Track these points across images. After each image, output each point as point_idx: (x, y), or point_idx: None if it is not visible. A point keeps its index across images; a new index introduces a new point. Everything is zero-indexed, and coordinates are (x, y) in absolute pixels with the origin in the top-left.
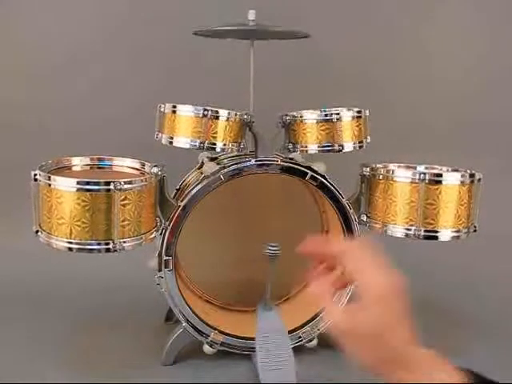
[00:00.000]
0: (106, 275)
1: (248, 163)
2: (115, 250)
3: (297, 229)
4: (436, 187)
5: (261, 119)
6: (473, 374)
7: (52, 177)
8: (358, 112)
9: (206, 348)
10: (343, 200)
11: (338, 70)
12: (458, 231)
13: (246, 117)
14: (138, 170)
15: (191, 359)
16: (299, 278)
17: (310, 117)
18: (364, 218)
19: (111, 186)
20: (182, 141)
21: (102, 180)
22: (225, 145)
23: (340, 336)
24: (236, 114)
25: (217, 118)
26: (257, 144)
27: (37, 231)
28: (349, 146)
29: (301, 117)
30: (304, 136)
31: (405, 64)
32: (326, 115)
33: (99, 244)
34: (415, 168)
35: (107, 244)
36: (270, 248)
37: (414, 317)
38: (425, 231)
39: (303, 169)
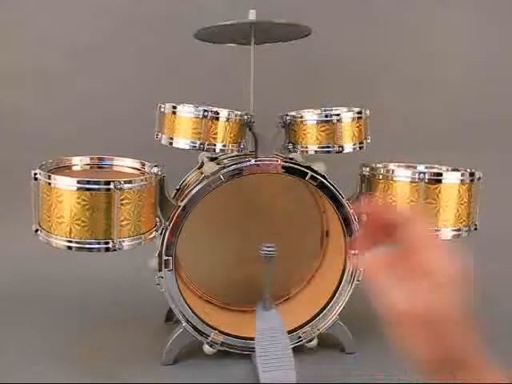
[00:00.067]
0: (106, 276)
1: (248, 163)
2: (114, 250)
3: (297, 229)
4: (435, 186)
5: (261, 119)
6: None
7: (52, 176)
8: (359, 113)
9: (206, 348)
10: (343, 200)
11: (338, 70)
12: (458, 230)
13: (246, 117)
14: (138, 169)
15: (191, 359)
16: (299, 277)
17: (310, 118)
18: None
19: (111, 186)
20: (182, 142)
21: (102, 179)
22: (225, 145)
23: (398, 320)
24: (236, 115)
25: (217, 118)
26: (257, 144)
27: (36, 230)
28: (349, 147)
29: (301, 117)
30: (304, 137)
31: (405, 64)
32: (326, 116)
33: (99, 243)
34: (415, 167)
35: (107, 243)
36: (265, 248)
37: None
38: None
39: (303, 169)
